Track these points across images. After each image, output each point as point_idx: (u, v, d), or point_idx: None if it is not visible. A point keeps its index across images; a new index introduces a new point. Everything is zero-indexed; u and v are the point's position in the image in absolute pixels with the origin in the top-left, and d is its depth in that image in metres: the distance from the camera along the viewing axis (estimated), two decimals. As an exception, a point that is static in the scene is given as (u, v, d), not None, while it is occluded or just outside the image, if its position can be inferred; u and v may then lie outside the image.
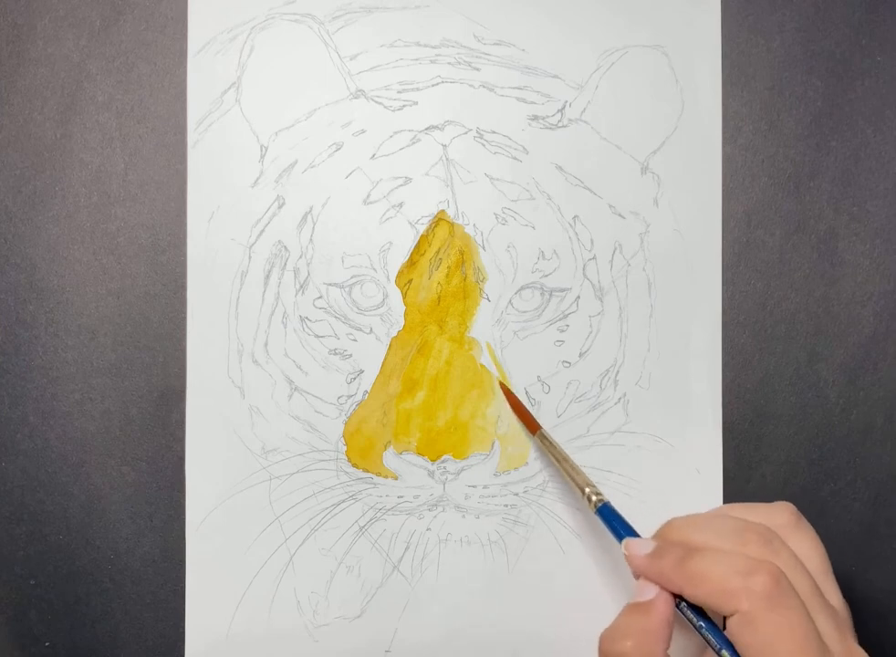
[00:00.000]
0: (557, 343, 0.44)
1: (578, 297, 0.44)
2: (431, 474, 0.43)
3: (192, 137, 0.43)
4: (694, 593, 0.33)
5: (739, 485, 0.44)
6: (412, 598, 0.43)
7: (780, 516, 0.35)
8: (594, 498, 0.39)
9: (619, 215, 0.44)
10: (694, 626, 0.34)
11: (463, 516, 0.43)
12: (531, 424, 0.42)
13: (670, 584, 0.34)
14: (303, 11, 0.43)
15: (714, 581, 0.32)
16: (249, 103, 0.43)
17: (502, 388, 0.43)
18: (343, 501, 0.43)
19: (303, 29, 0.43)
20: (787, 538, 0.34)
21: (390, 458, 0.43)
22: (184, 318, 0.43)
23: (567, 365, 0.44)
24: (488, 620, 0.43)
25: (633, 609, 0.34)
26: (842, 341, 0.45)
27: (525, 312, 0.43)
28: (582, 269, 0.44)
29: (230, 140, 0.43)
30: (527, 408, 0.43)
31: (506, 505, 0.43)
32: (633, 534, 0.37)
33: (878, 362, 0.45)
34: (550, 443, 0.41)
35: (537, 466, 0.43)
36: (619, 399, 0.44)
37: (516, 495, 0.43)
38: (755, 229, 0.44)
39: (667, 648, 0.33)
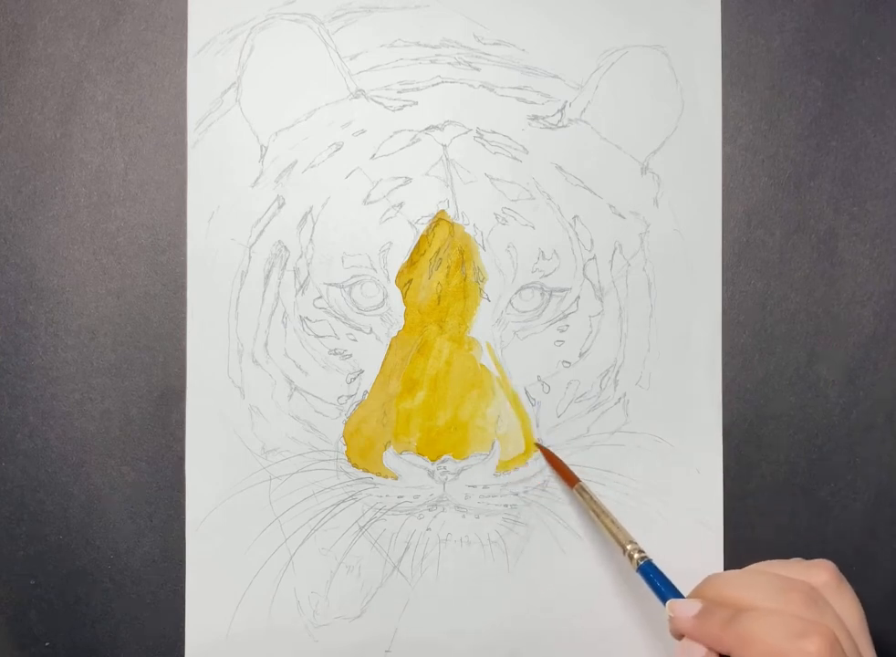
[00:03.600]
0: (557, 343, 0.44)
1: (578, 297, 0.44)
2: (431, 474, 0.43)
3: (192, 137, 0.43)
4: (746, 655, 0.32)
5: (739, 485, 0.44)
6: (412, 598, 0.43)
7: (821, 574, 0.35)
8: (636, 556, 0.38)
9: (619, 215, 0.44)
10: None
11: (463, 516, 0.43)
12: (569, 478, 0.42)
13: (719, 645, 0.33)
14: (303, 11, 0.43)
15: (767, 643, 0.32)
16: (249, 103, 0.43)
17: (538, 446, 0.43)
18: (343, 501, 0.43)
19: (303, 29, 0.43)
20: (829, 598, 0.34)
21: (390, 458, 0.43)
22: (184, 318, 0.43)
23: (567, 365, 0.44)
24: (488, 620, 0.43)
25: None
26: (842, 341, 0.45)
27: (525, 312, 0.43)
28: (582, 269, 0.44)
29: (230, 140, 0.43)
30: (565, 463, 0.43)
31: (506, 505, 0.43)
32: (676, 593, 0.36)
33: (878, 362, 0.45)
34: (590, 496, 0.41)
35: (537, 466, 0.43)
36: (619, 399, 0.44)
37: (516, 495, 0.43)
38: (755, 229, 0.44)
39: None
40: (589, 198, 0.44)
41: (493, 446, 0.43)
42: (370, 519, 0.43)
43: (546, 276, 0.43)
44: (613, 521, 0.40)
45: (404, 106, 0.43)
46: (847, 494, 0.44)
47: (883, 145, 0.45)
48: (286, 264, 0.43)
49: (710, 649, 0.33)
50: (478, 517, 0.43)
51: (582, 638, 0.43)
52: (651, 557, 0.38)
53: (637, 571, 0.38)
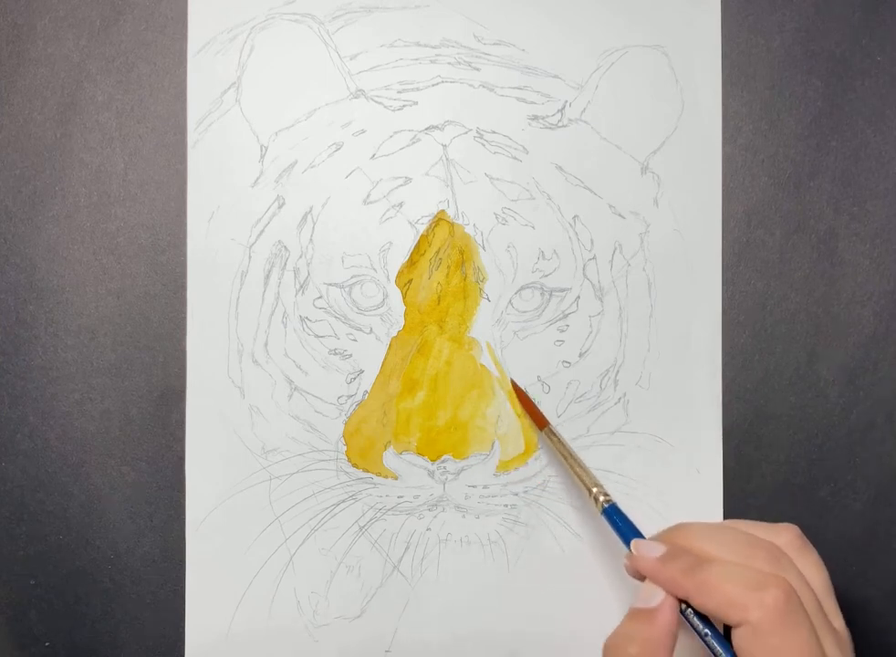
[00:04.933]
0: (557, 343, 0.44)
1: (578, 297, 0.44)
2: (431, 474, 0.43)
3: (192, 137, 0.43)
4: (703, 602, 0.33)
5: (739, 485, 0.44)
6: (412, 598, 0.43)
7: (785, 535, 0.36)
8: (601, 498, 0.39)
9: (619, 215, 0.44)
10: (699, 633, 0.34)
11: (463, 516, 0.43)
12: (539, 420, 0.42)
13: (678, 590, 0.34)
14: (303, 11, 0.43)
15: (726, 592, 0.32)
16: (249, 103, 0.43)
17: (512, 384, 0.43)
18: (343, 501, 0.43)
19: (303, 29, 0.43)
20: (793, 557, 0.35)
21: (390, 458, 0.43)
22: (184, 318, 0.43)
23: (567, 365, 0.44)
24: (488, 620, 0.43)
25: (638, 614, 0.34)
26: (842, 341, 0.45)
27: (525, 312, 0.43)
28: (582, 269, 0.44)
29: (230, 140, 0.43)
30: (535, 404, 0.43)
31: (506, 505, 0.43)
32: (640, 536, 0.37)
33: (878, 362, 0.45)
34: (558, 439, 0.42)
35: (537, 466, 0.43)
36: (619, 399, 0.44)
37: (516, 495, 0.43)
38: (755, 229, 0.44)
39: (671, 655, 0.33)
40: (589, 198, 0.44)
41: (493, 446, 0.43)
42: (370, 519, 0.43)
43: (546, 276, 0.43)
44: (581, 465, 0.40)
45: (404, 106, 0.43)
46: (847, 494, 0.44)
47: (883, 145, 0.45)
48: (286, 264, 0.43)
49: (669, 592, 0.34)
50: (478, 517, 0.43)
51: (582, 638, 0.43)
52: (615, 501, 0.38)
53: (601, 514, 0.39)
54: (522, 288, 0.43)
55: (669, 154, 0.44)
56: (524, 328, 0.43)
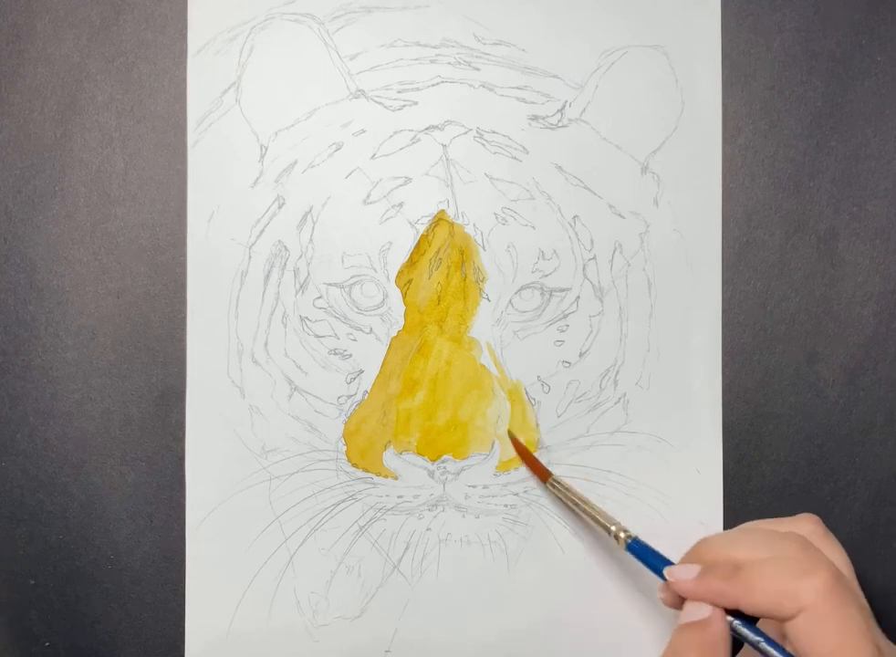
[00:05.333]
0: (557, 343, 0.44)
1: (578, 297, 0.44)
2: (431, 473, 0.43)
3: (192, 137, 0.43)
4: (754, 602, 0.33)
5: (739, 485, 0.44)
6: (412, 598, 0.43)
7: (807, 526, 0.36)
8: (622, 535, 0.38)
9: (619, 215, 0.44)
10: (751, 643, 0.33)
11: (463, 516, 0.43)
12: (541, 472, 0.42)
13: (724, 600, 0.33)
14: (303, 11, 0.43)
15: (774, 585, 0.32)
16: (249, 103, 0.43)
17: (510, 437, 0.43)
18: (343, 501, 0.43)
19: (303, 29, 0.43)
20: (818, 545, 0.35)
21: (389, 458, 0.43)
22: (184, 318, 0.43)
23: (567, 365, 0.44)
24: (488, 620, 0.43)
25: (688, 627, 0.34)
26: (842, 341, 0.45)
27: (525, 312, 0.43)
28: (582, 269, 0.44)
29: (230, 140, 0.43)
30: (536, 457, 0.43)
31: (506, 506, 0.43)
32: (669, 562, 0.36)
33: (878, 362, 0.45)
34: (565, 488, 0.41)
35: (537, 466, 0.43)
36: (619, 399, 0.44)
37: (516, 495, 0.43)
38: (755, 229, 0.44)
39: None
40: (589, 198, 0.44)
41: (493, 446, 0.43)
42: (370, 519, 0.43)
43: (546, 276, 0.43)
44: (593, 507, 0.40)
45: (404, 106, 0.43)
46: (847, 494, 0.44)
47: (883, 145, 0.45)
48: (286, 264, 0.43)
49: (715, 605, 0.34)
50: (478, 517, 0.43)
51: (582, 638, 0.43)
52: (636, 534, 0.38)
53: (626, 550, 0.38)
54: (522, 288, 0.43)
55: (669, 154, 0.44)
56: (524, 328, 0.43)
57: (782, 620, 0.32)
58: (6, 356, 0.43)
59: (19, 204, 0.43)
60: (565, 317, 0.44)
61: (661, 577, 0.36)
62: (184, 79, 0.43)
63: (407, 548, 0.43)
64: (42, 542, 0.43)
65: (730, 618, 0.34)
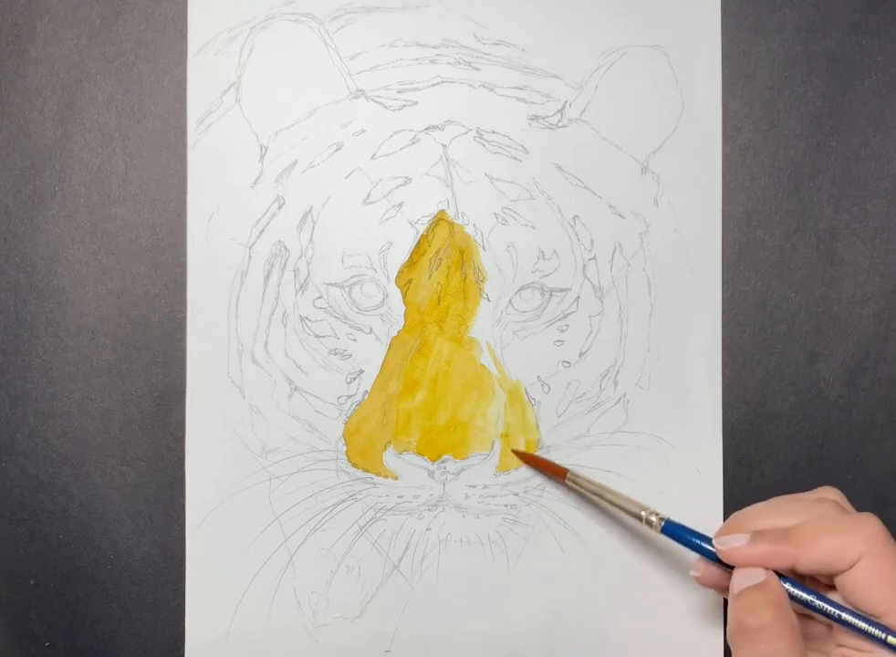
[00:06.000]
0: (557, 343, 0.44)
1: (578, 297, 0.44)
2: (431, 474, 0.43)
3: (192, 137, 0.43)
4: (811, 558, 0.34)
5: (739, 485, 0.44)
6: (412, 598, 0.43)
7: (831, 494, 0.38)
8: (654, 519, 0.38)
9: (619, 215, 0.44)
10: (805, 603, 0.35)
11: (463, 516, 0.43)
12: (557, 471, 0.42)
13: (780, 560, 0.35)
14: (303, 11, 0.43)
15: (829, 541, 0.34)
16: (249, 103, 0.43)
17: (515, 453, 0.43)
18: (343, 501, 0.43)
19: (303, 29, 0.43)
20: None
21: (389, 458, 0.43)
22: (184, 318, 0.43)
23: (567, 365, 0.44)
24: (488, 620, 0.43)
25: (750, 589, 0.35)
26: (842, 341, 0.45)
27: (525, 312, 0.43)
28: (582, 269, 0.44)
29: (230, 140, 0.43)
30: (546, 460, 0.43)
31: (506, 506, 0.43)
32: (707, 539, 0.37)
33: (878, 362, 0.45)
34: (586, 480, 0.41)
35: (537, 466, 0.43)
36: (619, 399, 0.44)
37: (516, 495, 0.43)
38: (755, 229, 0.44)
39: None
40: (589, 198, 0.44)
41: (493, 446, 0.43)
42: (370, 519, 0.43)
43: (546, 276, 0.43)
44: (619, 495, 0.40)
45: (404, 106, 0.43)
46: (847, 494, 0.44)
47: (883, 145, 0.45)
48: (286, 264, 0.43)
49: (767, 568, 0.35)
50: (478, 517, 0.43)
51: (582, 638, 0.43)
52: (668, 516, 0.38)
53: (662, 533, 0.38)
54: (522, 288, 0.43)
55: (669, 154, 0.44)
56: (524, 328, 0.43)
57: (837, 574, 0.34)
58: (6, 356, 0.43)
59: (19, 204, 0.43)
60: (565, 317, 0.44)
61: (705, 553, 0.37)
62: (184, 79, 0.43)
63: (407, 548, 0.43)
64: (42, 542, 0.43)
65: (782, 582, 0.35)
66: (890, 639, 0.33)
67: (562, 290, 0.44)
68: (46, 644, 0.43)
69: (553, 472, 0.42)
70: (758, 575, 0.35)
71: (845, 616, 0.34)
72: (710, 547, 0.36)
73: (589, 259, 0.44)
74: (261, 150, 0.43)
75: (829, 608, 0.34)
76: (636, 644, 0.44)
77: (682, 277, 0.44)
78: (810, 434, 0.44)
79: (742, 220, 0.44)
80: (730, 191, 0.44)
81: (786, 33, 0.44)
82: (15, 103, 0.43)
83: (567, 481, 0.42)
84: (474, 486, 0.43)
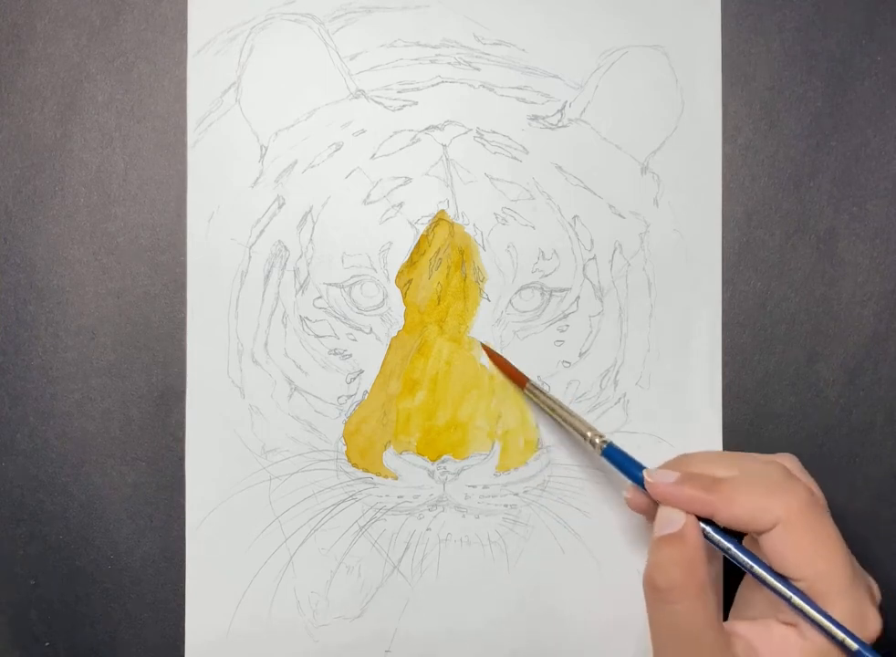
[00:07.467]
0: (557, 343, 0.44)
1: (578, 297, 0.44)
2: (431, 474, 0.43)
3: (192, 137, 0.43)
4: (731, 512, 0.34)
5: (739, 485, 0.44)
6: (412, 598, 0.43)
7: (786, 461, 0.38)
8: (597, 441, 0.39)
9: (619, 215, 0.44)
10: (722, 549, 0.35)
11: (463, 516, 0.43)
12: (518, 378, 0.42)
13: (702, 507, 0.35)
14: (303, 11, 0.43)
15: (752, 499, 0.34)
16: (249, 103, 0.43)
17: (483, 347, 0.43)
18: (343, 501, 0.43)
19: (303, 29, 0.43)
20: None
21: (390, 458, 0.43)
22: (184, 318, 0.43)
23: (567, 365, 0.44)
24: (488, 620, 0.43)
25: (665, 540, 0.35)
26: (842, 341, 0.45)
27: (525, 312, 0.43)
28: (582, 269, 0.44)
29: (230, 140, 0.43)
30: (509, 361, 0.43)
31: (506, 505, 0.43)
32: (641, 467, 0.38)
33: (878, 362, 0.45)
34: (543, 394, 0.42)
35: (537, 466, 0.43)
36: (619, 399, 0.44)
37: (516, 495, 0.43)
38: (755, 229, 0.44)
39: (708, 571, 0.34)
40: (589, 198, 0.44)
41: (493, 446, 0.43)
42: (370, 519, 0.43)
43: (547, 276, 0.43)
44: (569, 413, 0.41)
45: (404, 106, 0.43)
46: (847, 493, 0.44)
47: (883, 145, 0.45)
48: (286, 264, 0.43)
49: (690, 513, 0.35)
50: (478, 517, 0.43)
51: (582, 638, 0.43)
52: (611, 440, 0.39)
53: (601, 455, 0.39)
54: (522, 288, 0.43)
55: (669, 154, 0.44)
56: (524, 328, 0.43)
57: (757, 533, 0.34)
58: (6, 356, 0.43)
59: (19, 204, 0.43)
60: (565, 317, 0.44)
61: (637, 481, 0.38)
62: (184, 79, 0.43)
63: (407, 548, 0.43)
64: (42, 542, 0.43)
65: (702, 525, 0.35)
66: (795, 599, 0.33)
67: (562, 290, 0.44)
68: (46, 644, 0.43)
69: (515, 378, 0.42)
70: (678, 521, 0.35)
71: (756, 569, 0.34)
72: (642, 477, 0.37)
73: (589, 259, 0.44)
74: (261, 150, 0.43)
75: (744, 558, 0.34)
76: (636, 645, 0.44)
77: (682, 277, 0.44)
78: (810, 434, 0.44)
79: (742, 220, 0.44)
80: (730, 191, 0.44)
81: (786, 33, 0.44)
82: (15, 103, 0.43)
83: (525, 390, 0.42)
84: (474, 486, 0.43)
